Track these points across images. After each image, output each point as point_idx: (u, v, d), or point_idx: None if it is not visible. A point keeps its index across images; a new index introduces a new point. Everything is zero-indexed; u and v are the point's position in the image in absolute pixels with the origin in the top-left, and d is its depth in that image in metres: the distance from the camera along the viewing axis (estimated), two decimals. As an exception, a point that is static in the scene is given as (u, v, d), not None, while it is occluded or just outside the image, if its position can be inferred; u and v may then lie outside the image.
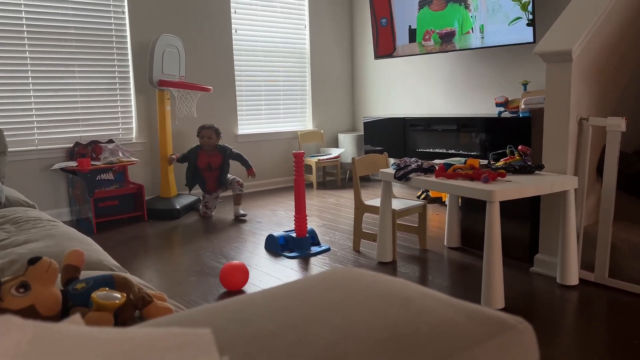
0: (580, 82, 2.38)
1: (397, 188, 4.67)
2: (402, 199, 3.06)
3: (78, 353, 0.44)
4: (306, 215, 2.97)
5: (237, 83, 4.94)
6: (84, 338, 0.47)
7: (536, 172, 2.39)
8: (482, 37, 4.11)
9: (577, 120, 2.38)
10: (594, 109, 2.49)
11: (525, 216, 2.67)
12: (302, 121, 5.53)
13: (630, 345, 1.80)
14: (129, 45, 4.26)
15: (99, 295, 0.97)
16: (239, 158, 4.08)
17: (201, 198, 4.18)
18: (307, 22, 5.40)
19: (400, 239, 3.17)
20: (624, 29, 2.58)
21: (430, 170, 2.48)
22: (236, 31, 4.90)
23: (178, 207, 3.98)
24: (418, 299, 0.50)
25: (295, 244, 2.96)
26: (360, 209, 2.92)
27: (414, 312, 0.47)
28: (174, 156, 4.20)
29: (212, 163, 4.02)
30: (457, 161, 2.60)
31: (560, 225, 2.33)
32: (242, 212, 4.01)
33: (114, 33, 4.19)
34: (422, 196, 4.31)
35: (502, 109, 3.94)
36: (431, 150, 4.40)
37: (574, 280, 2.34)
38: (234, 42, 4.88)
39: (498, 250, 2.09)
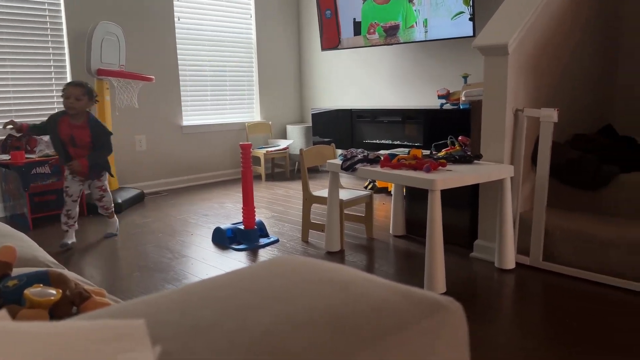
0: (516, 74, 2.49)
1: (345, 179, 4.72)
2: (350, 190, 3.10)
3: (8, 348, 0.42)
4: (254, 207, 2.96)
5: (180, 73, 4.82)
6: (14, 333, 0.45)
7: (475, 161, 2.49)
8: (426, 31, 4.21)
9: (513, 111, 2.49)
10: (529, 100, 2.61)
11: (465, 204, 2.77)
12: (249, 112, 5.48)
13: (563, 323, 1.92)
14: (64, 33, 4.06)
15: (32, 292, 0.93)
16: (97, 140, 2.87)
17: (64, 190, 2.93)
18: (252, 12, 5.33)
19: (348, 229, 3.22)
20: (557, 23, 2.72)
21: (375, 161, 2.52)
22: (179, 19, 4.77)
23: (120, 200, 3.85)
24: (357, 283, 0.52)
25: (243, 236, 2.94)
26: (308, 200, 2.94)
27: (353, 295, 0.48)
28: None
29: (77, 137, 2.84)
30: (401, 152, 2.66)
31: (498, 212, 2.45)
32: (110, 231, 3.16)
33: (48, 20, 3.98)
34: (369, 186, 4.38)
35: (444, 101, 4.07)
36: (378, 141, 4.48)
37: (510, 264, 2.46)
38: (176, 30, 4.75)
39: (439, 237, 2.17)
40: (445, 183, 2.14)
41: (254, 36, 5.38)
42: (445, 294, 2.20)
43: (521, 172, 2.52)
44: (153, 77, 4.21)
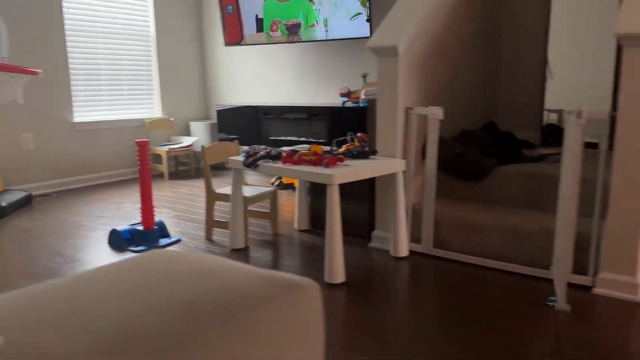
0: (407, 74, 2.65)
1: (252, 176, 4.72)
2: (254, 186, 3.11)
3: None
4: (153, 207, 2.86)
5: (71, 66, 4.52)
6: None
7: (371, 156, 2.61)
8: (327, 31, 4.32)
9: (404, 109, 2.65)
10: (419, 99, 2.79)
11: (364, 197, 2.90)
12: (149, 108, 5.27)
13: (452, 305, 2.08)
14: None
15: None
16: None
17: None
18: (150, 3, 5.12)
19: (254, 225, 3.23)
20: (444, 29, 2.92)
21: (277, 157, 2.56)
22: (68, 10, 4.46)
23: (4, 204, 3.54)
24: (220, 271, 0.54)
25: (142, 238, 2.84)
26: (211, 197, 2.91)
27: (213, 282, 0.51)
28: None
29: None
30: (302, 148, 2.72)
31: (392, 204, 2.59)
32: None
33: None
34: (276, 183, 4.42)
35: (345, 99, 4.21)
36: (284, 138, 4.53)
37: (404, 252, 2.62)
38: (65, 21, 4.44)
39: (338, 230, 2.26)
40: (342, 177, 2.23)
41: (152, 28, 5.17)
42: (344, 283, 2.30)
43: (412, 166, 2.69)
44: (40, 70, 3.90)
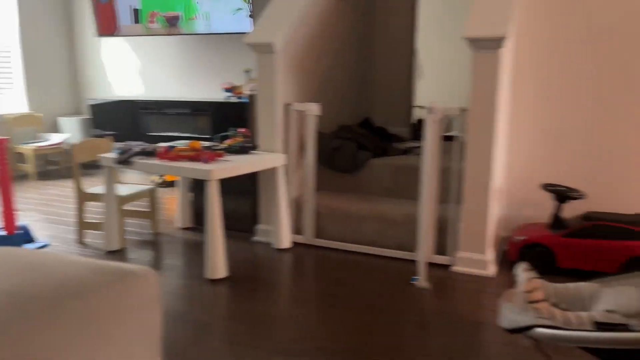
0: (285, 71, 2.72)
1: (132, 174, 4.50)
2: (131, 184, 2.99)
3: None
4: (14, 210, 2.63)
5: None
6: None
7: (252, 151, 2.65)
8: (208, 24, 4.26)
9: (283, 105, 2.72)
10: (298, 95, 2.88)
11: (248, 192, 2.93)
12: (10, 103, 4.78)
13: (332, 290, 2.20)
14: None
15: None
16: None
17: None
18: (10, -12, 4.64)
19: (132, 226, 3.10)
20: (321, 28, 3.04)
21: (153, 154, 2.49)
22: None
23: None
24: (49, 264, 0.55)
25: (3, 243, 2.59)
26: (82, 197, 2.74)
27: (42, 274, 0.51)
28: None
29: None
30: (181, 144, 2.68)
31: (274, 198, 2.66)
32: None
33: None
34: (159, 181, 4.27)
35: (229, 94, 4.19)
36: (165, 134, 4.38)
37: (287, 244, 2.71)
38: None
39: (218, 225, 2.26)
40: (221, 173, 2.24)
41: (16, 16, 4.69)
42: (227, 278, 2.31)
43: (293, 161, 2.78)
44: None
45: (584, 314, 1.07)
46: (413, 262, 2.46)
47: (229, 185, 2.78)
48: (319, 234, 2.76)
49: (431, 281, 2.25)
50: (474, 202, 2.35)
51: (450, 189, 2.47)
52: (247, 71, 4.16)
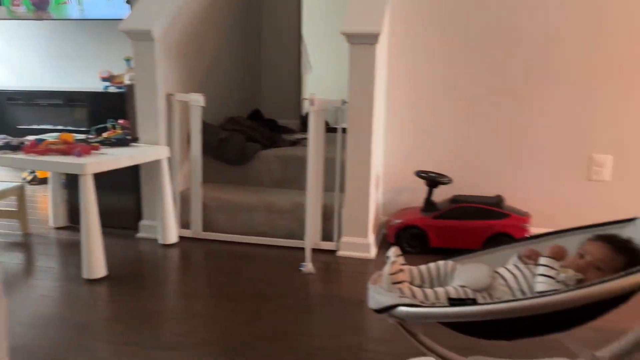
0: (166, 60, 2.63)
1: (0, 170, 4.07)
2: (-6, 182, 2.71)
3: None
4: None
5: None
6: None
7: (132, 144, 2.54)
8: (81, 9, 3.97)
9: (165, 95, 2.63)
10: (181, 85, 2.80)
11: (130, 187, 2.80)
12: None
13: (222, 283, 2.19)
14: None
15: None
16: None
17: None
18: None
19: (0, 227, 2.83)
20: (204, 15, 2.98)
21: (19, 147, 2.28)
22: None
23: None
24: None
25: None
26: None
27: None
28: None
29: None
30: (52, 136, 2.48)
31: (159, 192, 2.57)
32: None
33: None
34: (30, 177, 3.91)
35: (107, 83, 3.95)
36: (37, 127, 4.01)
37: (173, 238, 2.64)
38: None
39: (95, 222, 2.15)
40: (96, 167, 2.12)
41: None
42: (107, 277, 2.20)
43: (178, 153, 2.71)
44: None
45: (440, 290, 1.18)
46: (302, 249, 2.53)
47: (108, 180, 2.63)
48: (207, 227, 2.72)
49: (318, 266, 2.34)
50: (356, 189, 2.47)
51: (333, 177, 2.57)
52: (128, 59, 3.94)
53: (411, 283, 1.23)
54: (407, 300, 1.12)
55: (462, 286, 1.19)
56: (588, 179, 2.61)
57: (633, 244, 1.17)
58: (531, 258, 1.21)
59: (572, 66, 2.54)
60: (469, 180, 2.71)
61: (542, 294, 1.05)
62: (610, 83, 2.51)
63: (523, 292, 1.15)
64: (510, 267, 1.22)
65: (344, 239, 2.52)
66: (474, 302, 1.14)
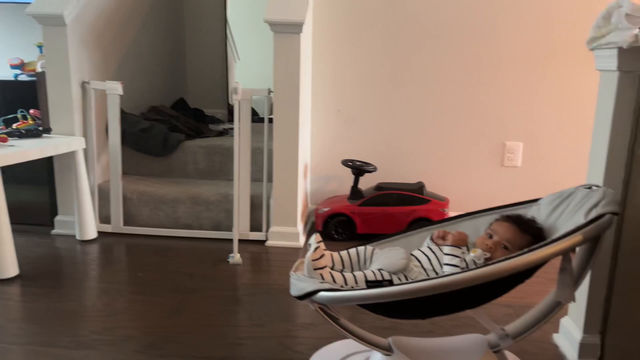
0: (79, 46, 2.49)
1: None
2: None
3: None
4: None
5: None
6: None
7: (44, 135, 2.39)
8: (-16, -11, 3.65)
9: (79, 84, 2.50)
10: (97, 72, 2.67)
11: (43, 181, 2.64)
12: None
13: (146, 278, 2.11)
14: None
15: None
16: None
17: None
18: None
19: None
20: (118, 1, 2.84)
21: None
22: None
23: None
24: None
25: None
26: None
27: None
28: None
29: None
30: (-50, 128, 2.28)
31: (74, 185, 2.44)
32: None
33: None
34: None
35: (18, 71, 3.67)
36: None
37: (92, 234, 2.52)
38: None
39: (4, 218, 2.00)
40: (4, 160, 1.98)
41: None
42: (18, 276, 2.06)
43: (95, 144, 2.58)
44: None
45: (359, 274, 1.21)
46: (229, 241, 2.50)
47: (19, 174, 2.47)
48: (128, 222, 2.62)
49: (246, 257, 2.33)
50: (284, 179, 2.48)
51: (262, 168, 2.56)
52: (40, 46, 3.69)
53: (332, 268, 1.25)
54: (327, 285, 1.14)
55: (380, 269, 1.22)
56: (502, 165, 2.78)
57: (536, 224, 1.26)
58: (442, 238, 1.27)
59: (484, 59, 2.68)
60: (392, 168, 2.80)
61: (453, 273, 1.11)
62: (519, 74, 2.68)
63: (436, 272, 1.21)
64: (424, 249, 1.28)
65: (272, 228, 2.52)
66: (390, 283, 1.18)
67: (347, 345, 1.44)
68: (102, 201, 2.63)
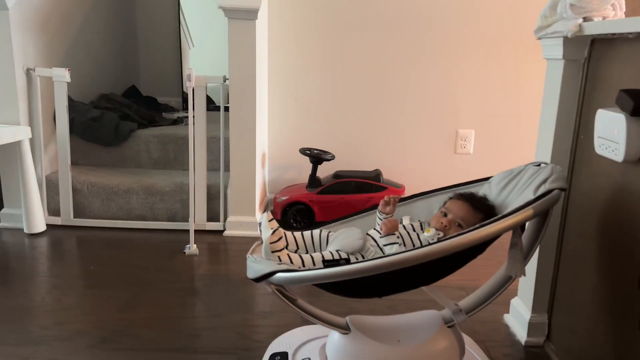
0: (23, 31, 2.36)
1: None
2: None
3: None
4: None
5: None
6: None
7: (-16, 124, 2.26)
8: None
9: (24, 70, 2.37)
10: (43, 59, 2.54)
11: (-15, 172, 2.51)
12: None
13: (94, 271, 2.05)
14: None
15: None
16: None
17: None
18: None
19: None
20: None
21: None
22: None
23: None
24: None
25: None
26: None
27: None
28: None
29: None
30: None
31: (20, 177, 2.33)
32: None
33: None
34: None
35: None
36: None
37: (41, 227, 2.42)
38: None
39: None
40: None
41: None
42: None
43: (42, 133, 2.47)
44: None
45: (316, 255, 1.22)
46: (186, 231, 2.46)
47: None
48: (79, 214, 2.53)
49: (203, 248, 2.29)
50: (241, 168, 2.45)
51: (218, 157, 2.52)
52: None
53: (286, 248, 1.24)
54: (284, 267, 1.13)
55: (337, 250, 1.23)
56: (455, 152, 2.85)
57: (488, 201, 1.29)
58: (387, 206, 1.29)
59: (439, 49, 2.73)
60: (350, 156, 2.82)
61: (406, 250, 1.13)
62: (471, 64, 2.74)
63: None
64: (378, 227, 1.29)
65: (230, 218, 2.49)
66: (347, 262, 1.19)
67: (305, 331, 1.44)
68: (50, 193, 2.52)
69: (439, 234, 1.21)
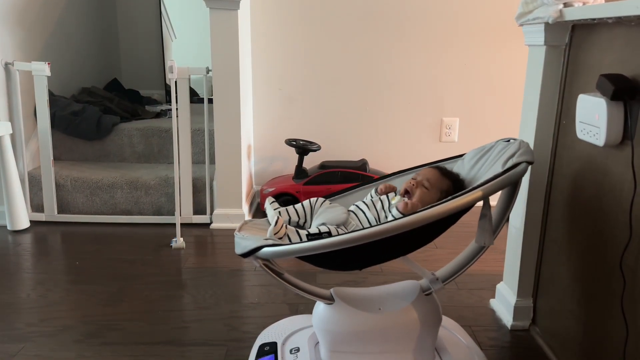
0: (1, 25, 2.31)
1: None
2: None
3: None
4: None
5: None
6: None
7: (-38, 119, 2.21)
8: None
9: (2, 64, 2.33)
10: (21, 52, 2.50)
11: (-35, 169, 2.46)
12: None
13: (80, 266, 2.03)
14: None
15: None
16: None
17: None
18: None
19: None
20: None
21: None
22: None
23: None
24: None
25: None
26: None
27: None
28: None
29: None
30: None
31: (2, 173, 2.29)
32: None
33: None
34: None
35: None
36: None
37: (24, 224, 2.38)
38: None
39: None
40: None
41: None
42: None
43: (23, 129, 2.42)
44: None
45: (302, 231, 1.23)
46: (172, 225, 2.44)
47: None
48: (63, 209, 2.50)
49: (190, 241, 2.28)
50: (227, 160, 2.44)
51: (203, 149, 2.50)
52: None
53: (289, 223, 1.28)
54: (270, 242, 1.15)
55: (323, 224, 1.25)
56: (440, 141, 2.86)
57: (456, 174, 1.34)
58: (384, 192, 1.33)
59: (422, 38, 2.73)
60: (336, 147, 2.81)
61: (378, 223, 1.16)
62: (455, 52, 2.74)
63: (370, 223, 1.25)
64: (366, 200, 1.32)
65: (217, 211, 2.48)
66: (329, 235, 1.21)
67: (293, 321, 1.45)
68: (33, 189, 2.49)
69: (404, 199, 1.24)
